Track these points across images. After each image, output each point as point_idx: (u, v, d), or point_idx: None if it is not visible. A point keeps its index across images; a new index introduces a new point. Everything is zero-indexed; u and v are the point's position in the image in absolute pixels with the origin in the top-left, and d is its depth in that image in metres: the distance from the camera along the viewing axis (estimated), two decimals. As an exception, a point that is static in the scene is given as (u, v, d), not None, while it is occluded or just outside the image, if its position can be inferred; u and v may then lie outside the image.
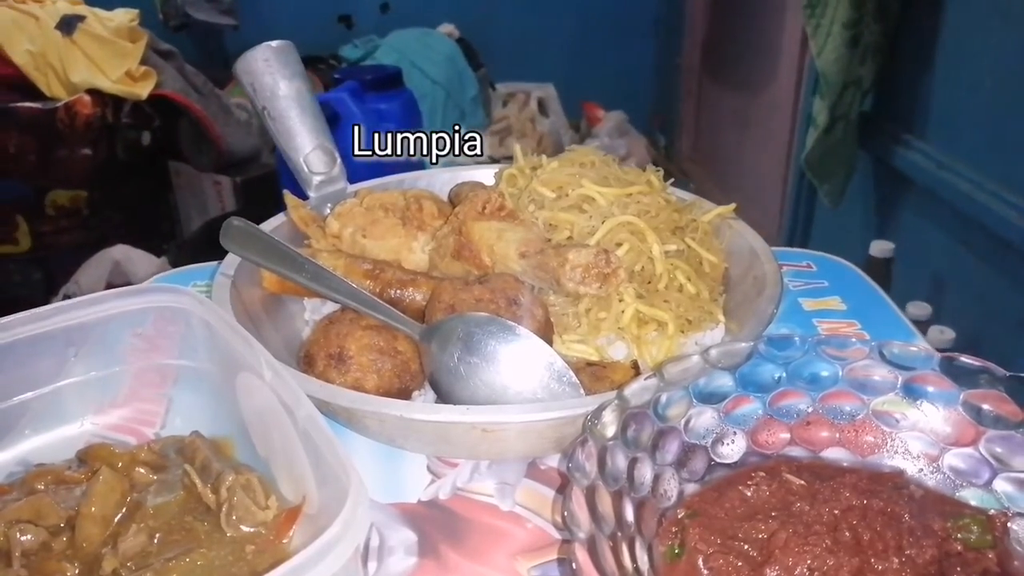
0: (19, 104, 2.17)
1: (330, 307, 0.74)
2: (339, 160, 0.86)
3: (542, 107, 3.80)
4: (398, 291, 0.71)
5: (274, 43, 0.84)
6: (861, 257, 1.84)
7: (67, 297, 1.96)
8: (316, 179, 0.84)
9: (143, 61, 2.30)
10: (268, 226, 0.80)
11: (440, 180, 0.93)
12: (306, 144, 0.84)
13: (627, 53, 3.93)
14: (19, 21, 2.18)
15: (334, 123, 2.03)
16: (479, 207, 0.74)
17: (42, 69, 2.19)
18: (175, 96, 2.35)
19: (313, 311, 0.77)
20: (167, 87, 2.34)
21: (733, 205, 0.83)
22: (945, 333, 1.64)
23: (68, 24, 2.20)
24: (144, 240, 2.27)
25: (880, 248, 1.82)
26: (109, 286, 2.04)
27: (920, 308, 1.70)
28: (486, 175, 0.93)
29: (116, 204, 2.37)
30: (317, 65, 3.23)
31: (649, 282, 0.72)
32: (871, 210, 2.21)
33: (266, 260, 0.69)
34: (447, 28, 3.51)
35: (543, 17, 3.80)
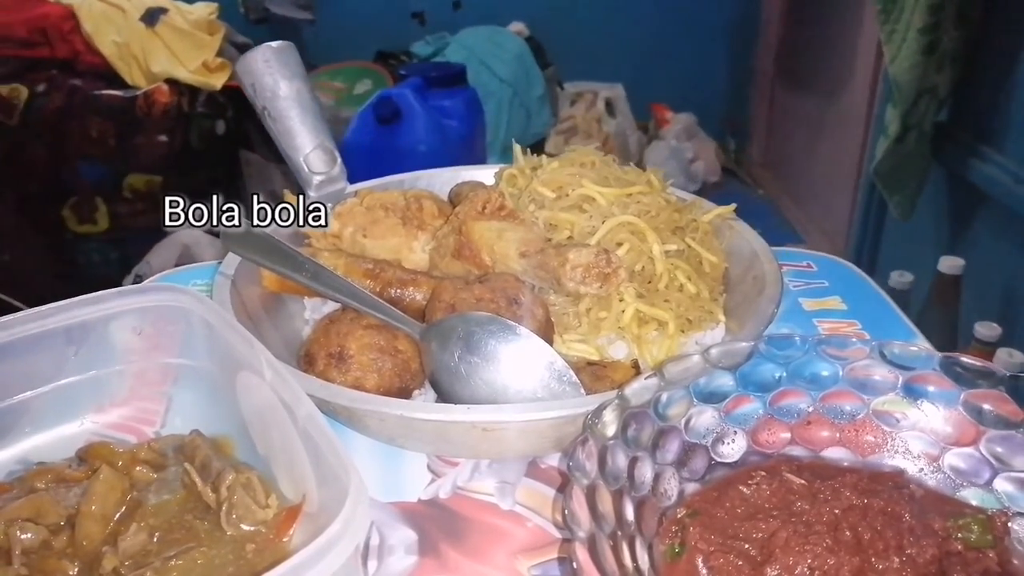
0: (103, 91, 2.30)
1: (330, 306, 0.74)
2: (339, 160, 0.86)
3: (610, 107, 3.76)
4: (398, 290, 0.71)
5: (274, 44, 0.85)
6: (930, 272, 1.75)
7: (139, 277, 2.03)
8: (316, 179, 0.84)
9: (219, 53, 2.41)
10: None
11: (440, 180, 0.93)
12: (306, 144, 0.84)
13: (699, 55, 3.87)
14: (107, 13, 2.32)
15: (396, 119, 2.04)
16: (479, 207, 0.74)
17: (126, 59, 2.31)
18: None
19: (313, 310, 0.77)
20: None
21: (733, 205, 0.83)
22: (1015, 356, 1.54)
23: (152, 16, 2.32)
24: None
25: (950, 264, 1.72)
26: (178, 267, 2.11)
27: (989, 328, 1.59)
28: (486, 175, 0.94)
29: (188, 190, 2.42)
30: (388, 61, 3.25)
31: (649, 282, 0.72)
32: (943, 224, 2.12)
33: (266, 259, 0.69)
34: (517, 26, 3.51)
35: (615, 17, 3.77)
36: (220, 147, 2.47)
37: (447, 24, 3.53)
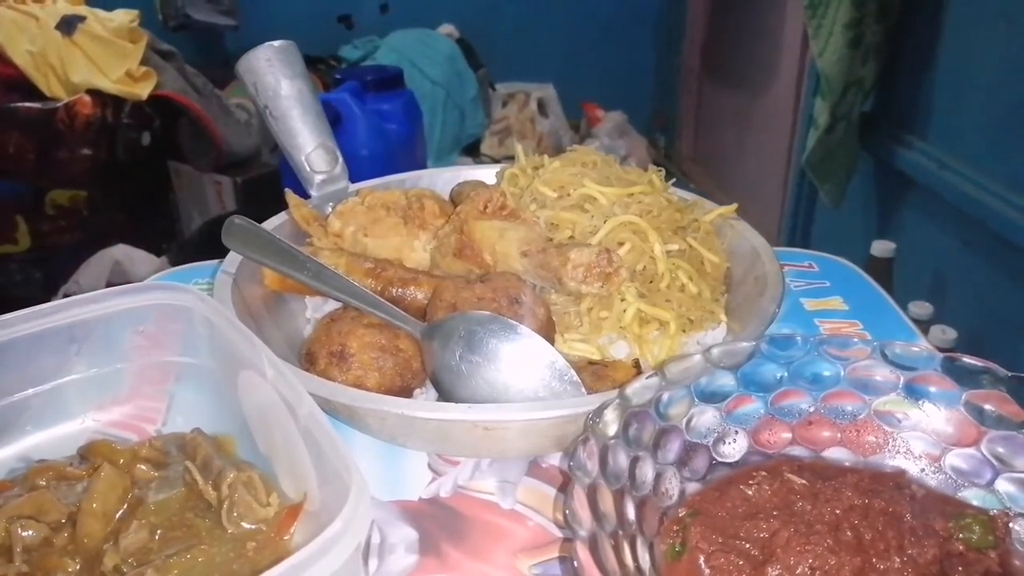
0: (19, 104, 2.18)
1: (332, 305, 0.74)
2: (341, 159, 0.86)
3: (542, 107, 3.80)
4: (400, 289, 0.71)
5: (276, 43, 0.85)
6: (862, 257, 1.84)
7: (67, 296, 1.98)
8: (318, 178, 0.84)
9: (143, 61, 2.31)
10: (270, 225, 0.80)
11: (442, 179, 0.93)
12: (308, 143, 0.84)
13: (627, 53, 3.93)
14: (19, 22, 2.19)
15: (336, 123, 2.04)
16: (481, 206, 0.74)
17: (42, 69, 2.20)
18: (175, 96, 2.35)
19: (315, 309, 0.77)
20: (167, 87, 2.34)
21: (735, 205, 0.83)
22: (947, 333, 1.64)
23: (68, 24, 2.21)
24: (144, 240, 2.28)
25: (882, 248, 1.82)
26: (109, 285, 2.05)
27: (922, 307, 1.69)
28: (487, 174, 0.94)
29: (116, 204, 2.39)
30: (317, 65, 3.24)
31: (651, 281, 0.72)
32: (872, 210, 2.21)
33: (268, 258, 0.69)
34: (447, 28, 3.52)
35: (543, 17, 3.80)
36: (148, 159, 2.39)
37: (374, 27, 3.52)
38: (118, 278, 2.10)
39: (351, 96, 2.13)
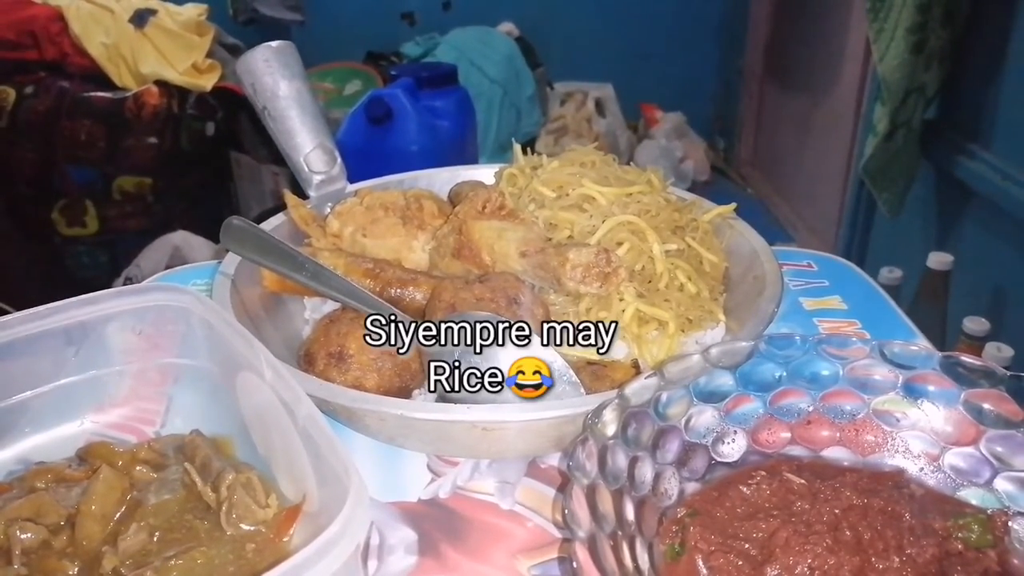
0: (92, 94, 2.30)
1: (330, 306, 0.74)
2: (339, 160, 0.86)
3: (600, 107, 3.78)
4: (398, 290, 0.71)
5: (274, 43, 0.85)
6: (919, 268, 1.78)
7: (129, 280, 2.02)
8: (316, 178, 0.84)
9: (209, 54, 2.41)
10: (268, 225, 0.80)
11: (440, 179, 0.93)
12: (306, 144, 0.84)
13: (688, 55, 3.91)
14: (95, 15, 2.31)
15: (387, 119, 2.04)
16: (479, 206, 0.74)
17: (114, 60, 2.30)
18: (239, 89, 2.41)
19: (313, 310, 0.77)
20: (231, 80, 2.41)
21: (733, 205, 0.83)
22: (1003, 351, 1.54)
23: (140, 17, 2.32)
24: (204, 227, 2.32)
25: (938, 260, 1.75)
26: (168, 270, 2.09)
27: (978, 323, 1.61)
28: (486, 175, 0.94)
29: (179, 191, 2.46)
30: (379, 61, 3.27)
31: (650, 281, 0.72)
32: (931, 220, 2.14)
33: (266, 259, 0.69)
34: (507, 27, 3.52)
35: (603, 17, 3.80)
36: (210, 149, 2.46)
37: (437, 25, 3.54)
38: (177, 263, 2.13)
39: (404, 92, 2.12)
